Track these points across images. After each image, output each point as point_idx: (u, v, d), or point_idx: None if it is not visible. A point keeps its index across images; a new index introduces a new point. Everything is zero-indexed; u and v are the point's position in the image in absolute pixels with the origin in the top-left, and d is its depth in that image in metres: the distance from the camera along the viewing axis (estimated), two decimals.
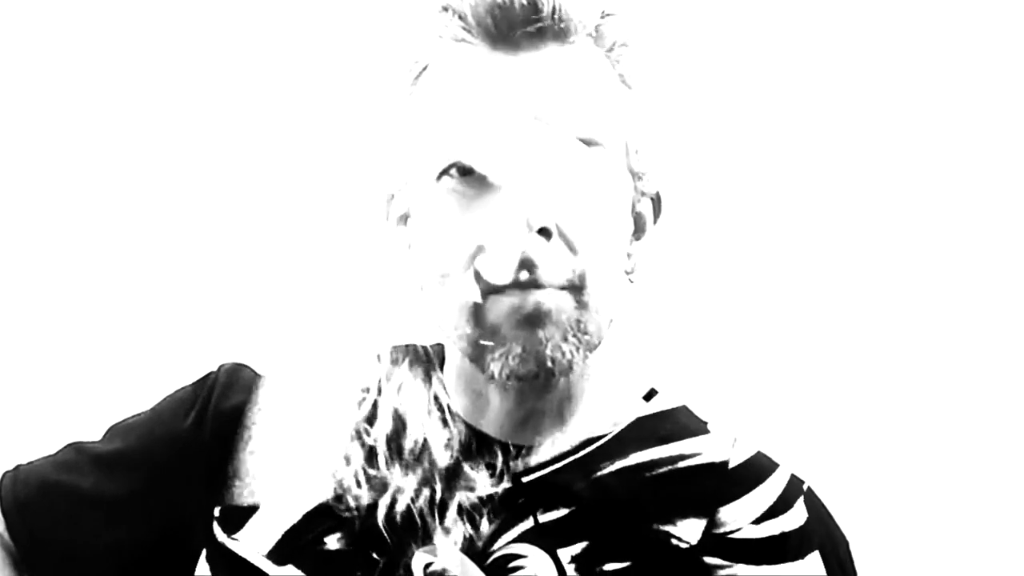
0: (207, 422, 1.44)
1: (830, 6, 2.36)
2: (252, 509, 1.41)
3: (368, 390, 1.43)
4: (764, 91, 2.34)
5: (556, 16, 1.33)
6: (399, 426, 1.40)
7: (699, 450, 1.41)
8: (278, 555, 1.38)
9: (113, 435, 1.48)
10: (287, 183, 2.37)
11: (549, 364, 1.32)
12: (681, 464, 1.40)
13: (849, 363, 2.32)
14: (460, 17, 1.34)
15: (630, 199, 1.39)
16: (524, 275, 1.30)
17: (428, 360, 1.45)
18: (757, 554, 1.36)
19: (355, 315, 2.15)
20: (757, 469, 1.41)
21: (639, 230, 1.42)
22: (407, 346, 1.47)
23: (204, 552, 1.42)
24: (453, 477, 1.37)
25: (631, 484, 1.39)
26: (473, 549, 1.35)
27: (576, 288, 1.33)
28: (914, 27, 2.35)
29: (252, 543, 1.40)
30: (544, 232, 1.30)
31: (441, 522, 1.36)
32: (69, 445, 1.49)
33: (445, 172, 1.34)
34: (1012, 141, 2.34)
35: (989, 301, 2.33)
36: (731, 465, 1.41)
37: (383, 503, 1.37)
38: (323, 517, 1.39)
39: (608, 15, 1.37)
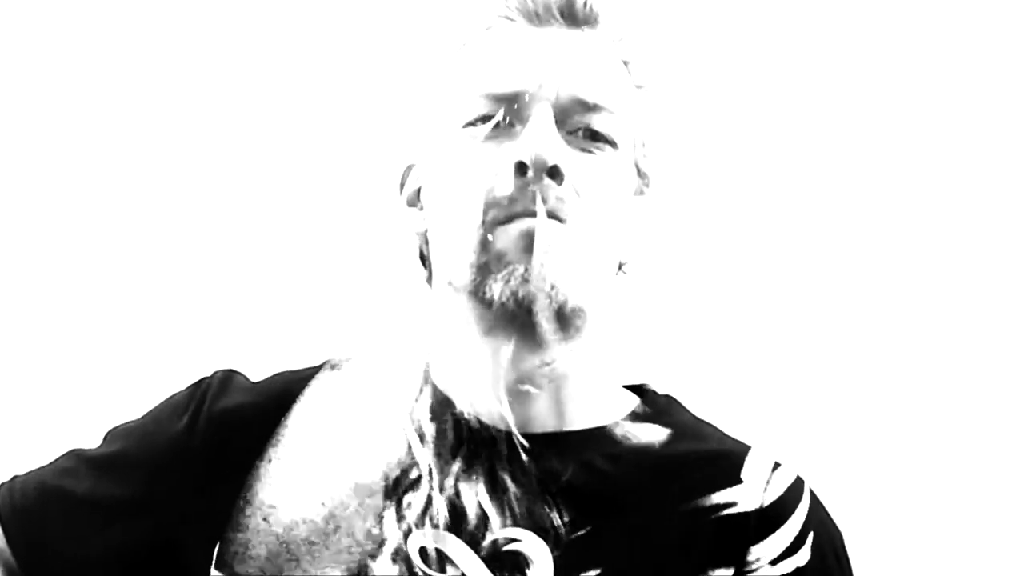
0: (200, 424, 1.46)
1: (833, 7, 2.38)
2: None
3: (418, 480, 1.42)
4: (761, 93, 2.36)
5: (587, 6, 1.44)
6: (454, 519, 1.40)
7: (735, 499, 1.42)
8: None
9: (110, 439, 1.50)
10: (287, 185, 2.38)
11: (550, 288, 1.37)
12: (720, 514, 1.41)
13: (846, 361, 2.34)
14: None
15: (632, 188, 1.46)
16: (535, 206, 1.37)
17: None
18: None
19: (354, 313, 2.16)
20: (783, 506, 1.42)
21: (636, 226, 1.48)
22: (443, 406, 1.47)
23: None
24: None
25: (663, 468, 1.42)
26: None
27: (582, 227, 1.39)
28: (916, 27, 2.37)
29: None
30: (555, 172, 1.38)
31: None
32: (68, 452, 1.50)
33: (471, 123, 1.42)
34: (1012, 141, 2.36)
35: (989, 301, 2.35)
36: (763, 506, 1.42)
37: None
38: None
39: (623, 39, 1.47)
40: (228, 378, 1.50)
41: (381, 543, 1.38)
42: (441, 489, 1.39)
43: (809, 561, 1.40)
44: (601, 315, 1.44)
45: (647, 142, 1.47)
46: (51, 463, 1.50)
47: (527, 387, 1.40)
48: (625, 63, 1.46)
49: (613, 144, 1.42)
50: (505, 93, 1.40)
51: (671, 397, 1.52)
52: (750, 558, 1.38)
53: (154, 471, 1.46)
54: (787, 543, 1.40)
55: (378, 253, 1.58)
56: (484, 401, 1.41)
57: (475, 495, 1.39)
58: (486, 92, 1.41)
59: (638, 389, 1.52)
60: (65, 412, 2.29)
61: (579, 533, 1.38)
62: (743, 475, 1.42)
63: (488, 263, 1.37)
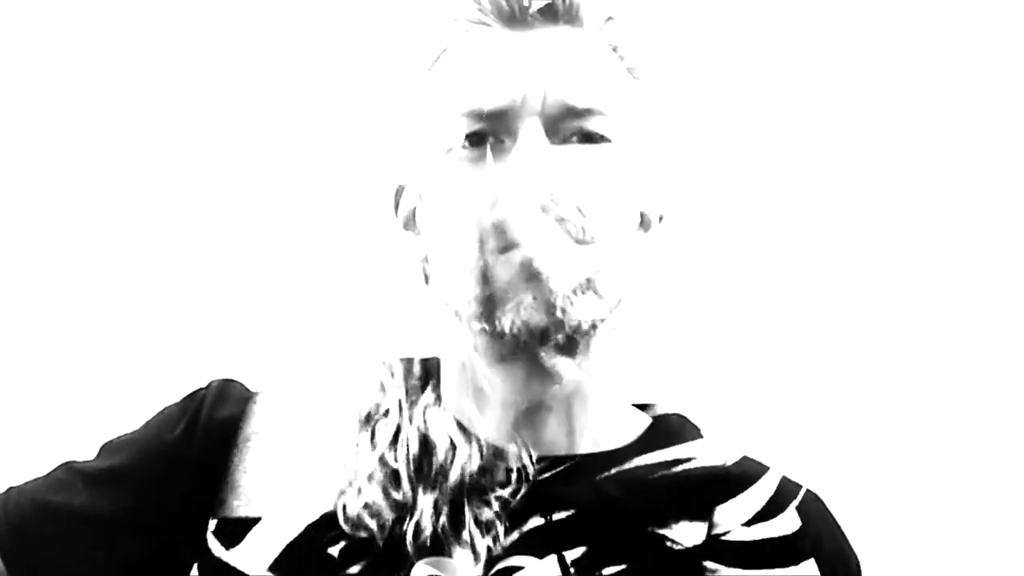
0: (197, 435, 1.44)
1: (832, 6, 2.36)
2: (252, 521, 1.40)
3: (388, 412, 1.43)
4: (762, 96, 2.34)
5: (573, 9, 1.38)
6: (424, 449, 1.40)
7: (694, 454, 1.43)
8: (281, 568, 1.38)
9: (104, 453, 1.48)
10: (285, 188, 2.36)
11: (559, 315, 1.33)
12: (677, 468, 1.41)
13: (848, 372, 2.32)
14: (475, 0, 1.38)
15: (634, 182, 1.42)
16: (535, 232, 1.33)
17: (427, 373, 1.46)
18: (746, 557, 1.38)
19: (354, 324, 2.14)
20: (748, 471, 1.43)
21: (645, 223, 1.44)
22: (410, 359, 1.48)
23: (196, 566, 1.41)
24: (471, 493, 1.38)
25: (628, 488, 1.40)
26: (489, 557, 1.36)
27: (586, 246, 1.35)
28: (916, 27, 2.35)
29: (253, 556, 1.39)
30: (554, 195, 1.34)
31: (459, 538, 1.36)
32: (61, 465, 1.49)
33: (457, 145, 1.36)
34: (1012, 141, 2.34)
35: (988, 311, 2.33)
36: (727, 466, 1.43)
37: (411, 525, 1.37)
38: (327, 528, 1.38)
39: (611, 19, 1.41)
40: (225, 387, 1.48)
41: (355, 471, 1.38)
42: (411, 420, 1.40)
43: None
44: (613, 329, 1.41)
45: (646, 133, 1.43)
46: (45, 476, 1.48)
47: (540, 411, 1.39)
48: (614, 48, 1.41)
49: (608, 141, 1.38)
50: (488, 110, 1.35)
51: (682, 416, 1.49)
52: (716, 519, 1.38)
53: (150, 483, 1.44)
54: (757, 508, 1.39)
55: (374, 267, 1.53)
56: (494, 428, 1.40)
57: (444, 426, 1.39)
58: (468, 110, 1.36)
59: (648, 408, 1.49)
60: (61, 419, 2.28)
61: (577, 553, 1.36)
62: (703, 433, 1.44)
63: (493, 295, 1.34)
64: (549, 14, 1.38)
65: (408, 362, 1.47)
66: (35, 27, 2.38)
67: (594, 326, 1.36)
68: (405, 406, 1.42)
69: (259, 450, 1.43)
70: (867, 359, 2.33)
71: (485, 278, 1.33)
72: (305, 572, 1.37)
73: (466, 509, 1.36)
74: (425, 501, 1.37)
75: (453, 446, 1.38)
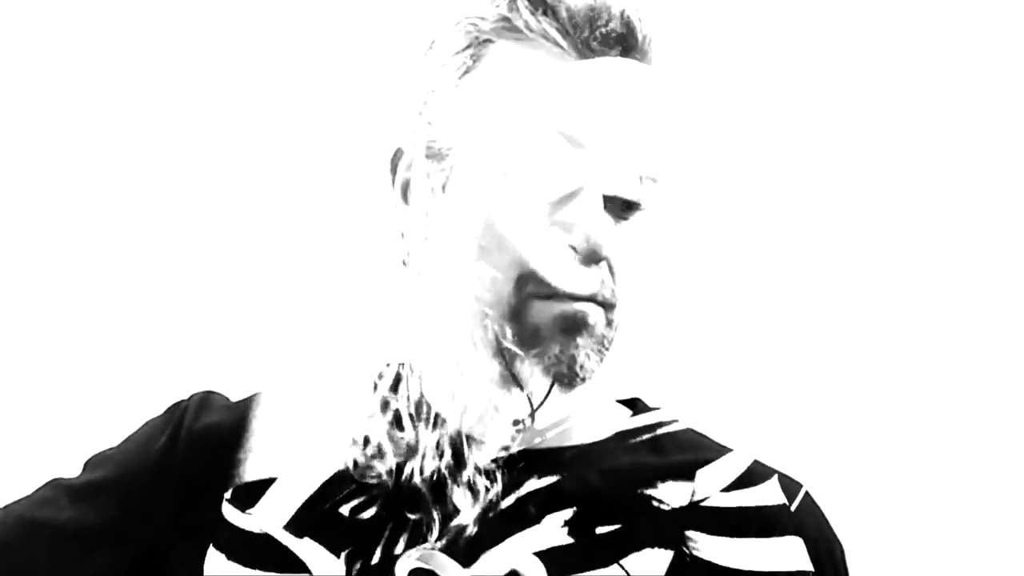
0: (180, 445, 1.45)
1: (836, 9, 2.36)
2: (267, 482, 1.42)
3: (389, 364, 1.45)
4: (761, 96, 2.34)
5: (643, 33, 1.36)
6: (423, 391, 1.42)
7: (675, 418, 1.47)
8: (297, 526, 1.39)
9: (90, 467, 1.49)
10: (282, 191, 2.36)
11: (579, 370, 1.35)
12: (659, 431, 1.45)
13: (842, 372, 2.32)
14: (554, 14, 1.35)
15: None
16: (581, 291, 1.34)
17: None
18: (727, 524, 1.39)
19: (348, 328, 2.15)
20: (724, 445, 1.46)
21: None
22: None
23: (211, 546, 1.41)
24: (470, 437, 1.39)
25: (615, 450, 1.42)
26: (490, 510, 1.37)
27: (610, 306, 1.36)
28: (916, 27, 2.35)
29: (269, 516, 1.40)
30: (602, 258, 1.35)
31: (458, 480, 1.38)
32: (47, 482, 1.49)
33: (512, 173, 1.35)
34: (1012, 141, 2.34)
35: (987, 312, 2.33)
36: (705, 435, 1.46)
37: (415, 464, 1.38)
38: (342, 484, 1.40)
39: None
40: (206, 399, 1.49)
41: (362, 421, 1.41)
42: (411, 368, 1.43)
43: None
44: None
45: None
46: (31, 494, 1.49)
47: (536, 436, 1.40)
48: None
49: (647, 207, 1.38)
50: (559, 159, 1.33)
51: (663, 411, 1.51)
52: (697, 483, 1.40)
53: (137, 495, 1.44)
54: (735, 475, 1.41)
55: (359, 268, 1.53)
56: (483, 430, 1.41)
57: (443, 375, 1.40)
58: (536, 151, 1.33)
59: (631, 403, 1.50)
60: (47, 432, 2.28)
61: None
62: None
63: (519, 336, 1.35)
64: (625, 46, 1.35)
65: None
66: (33, 27, 2.38)
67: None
68: (410, 361, 1.43)
69: (271, 417, 1.45)
70: (864, 361, 2.32)
71: (516, 317, 1.35)
72: (319, 529, 1.38)
73: (465, 452, 1.38)
74: (428, 440, 1.38)
75: (452, 394, 1.39)
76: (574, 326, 1.34)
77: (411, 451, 1.39)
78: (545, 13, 1.35)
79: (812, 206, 2.34)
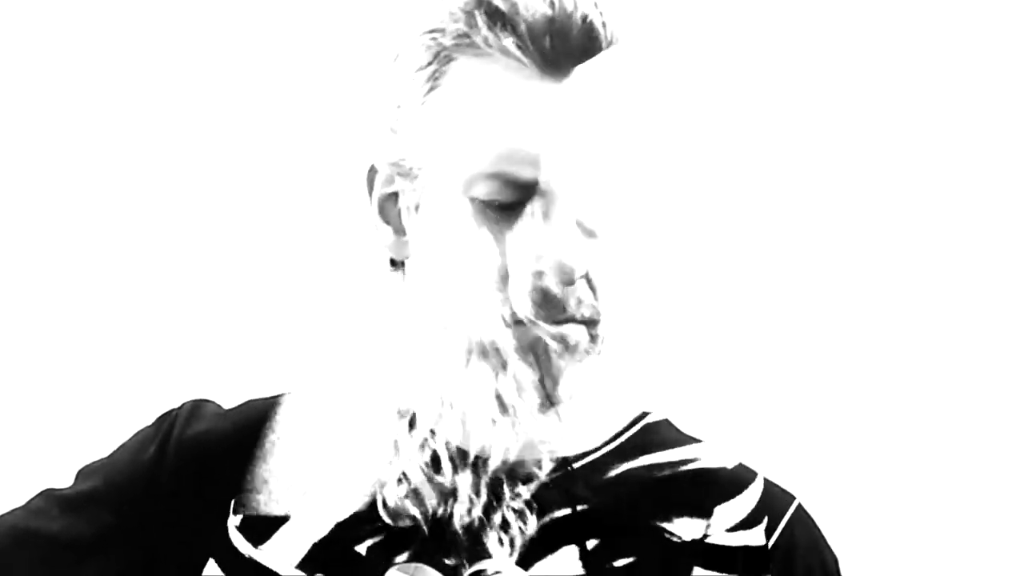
0: (169, 454, 1.44)
1: (832, 8, 2.36)
2: (280, 520, 1.40)
3: (413, 397, 1.42)
4: (759, 102, 2.35)
5: (607, 39, 1.32)
6: (464, 432, 1.39)
7: (697, 455, 1.43)
8: (308, 566, 1.38)
9: (81, 478, 1.48)
10: (279, 193, 2.36)
11: (559, 390, 1.34)
12: (682, 468, 1.42)
13: (841, 383, 2.33)
14: (513, 29, 1.31)
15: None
16: (558, 313, 1.32)
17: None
18: (721, 562, 1.38)
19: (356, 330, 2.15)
20: (741, 476, 1.43)
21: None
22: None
23: (216, 563, 1.41)
24: (509, 477, 1.37)
25: (634, 485, 1.40)
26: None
27: (592, 323, 1.34)
28: (915, 28, 2.35)
29: (280, 554, 1.39)
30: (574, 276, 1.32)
31: (491, 523, 1.36)
32: (40, 493, 1.49)
33: (476, 199, 1.32)
34: (1012, 141, 2.34)
35: (985, 318, 2.34)
36: (728, 468, 1.43)
37: (455, 509, 1.36)
38: (361, 523, 1.38)
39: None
40: (197, 407, 1.48)
41: (395, 460, 1.38)
42: (452, 404, 1.38)
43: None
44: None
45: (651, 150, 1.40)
46: (23, 505, 1.49)
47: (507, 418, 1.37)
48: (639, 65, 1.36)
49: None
50: (523, 180, 1.31)
51: (667, 421, 1.48)
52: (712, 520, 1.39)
53: (126, 506, 1.44)
54: (742, 516, 1.40)
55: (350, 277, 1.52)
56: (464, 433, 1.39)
57: (485, 408, 1.36)
58: (496, 172, 1.31)
59: (639, 417, 1.48)
60: (40, 440, 2.29)
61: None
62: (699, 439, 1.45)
63: (503, 362, 1.33)
64: (586, 58, 1.31)
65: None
66: (28, 26, 2.38)
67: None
68: (445, 389, 1.39)
69: (287, 448, 1.43)
70: (860, 366, 2.33)
71: (492, 341, 1.33)
72: (332, 568, 1.37)
73: (505, 492, 1.36)
74: (465, 484, 1.36)
75: (494, 426, 1.36)
76: (554, 350, 1.33)
77: (450, 496, 1.37)
78: (504, 28, 1.30)
79: (807, 208, 2.35)
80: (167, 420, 1.47)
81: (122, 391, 2.29)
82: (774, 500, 1.42)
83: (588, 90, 1.31)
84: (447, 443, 1.38)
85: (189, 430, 1.45)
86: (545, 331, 1.32)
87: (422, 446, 1.38)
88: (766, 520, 1.40)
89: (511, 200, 1.31)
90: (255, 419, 1.45)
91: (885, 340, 2.33)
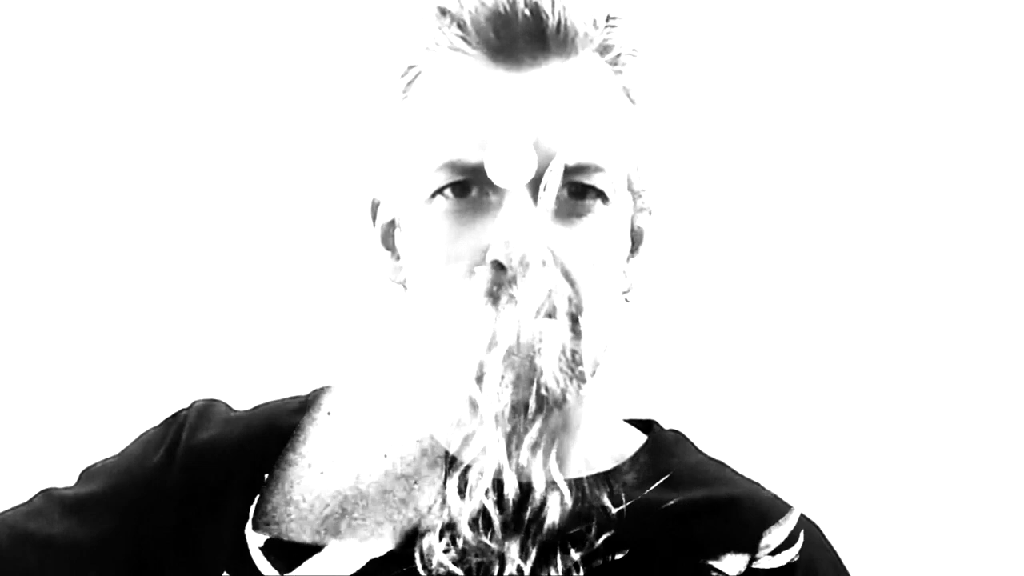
0: (177, 459, 1.41)
1: (834, 13, 2.34)
2: (312, 549, 1.36)
3: (483, 449, 1.35)
4: (755, 107, 2.33)
5: (560, 30, 1.30)
6: (522, 492, 1.34)
7: (740, 490, 1.41)
8: None
9: (84, 479, 1.46)
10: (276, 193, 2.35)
11: (543, 392, 1.29)
12: (721, 501, 1.39)
13: (843, 386, 2.31)
14: (459, 25, 1.31)
15: (629, 218, 1.36)
16: (521, 306, 1.28)
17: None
18: None
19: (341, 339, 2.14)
20: (778, 506, 1.41)
21: (635, 247, 1.40)
22: None
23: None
24: (562, 538, 1.34)
25: (676, 525, 1.37)
26: None
27: (572, 317, 1.30)
28: (915, 28, 2.34)
29: None
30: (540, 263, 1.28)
31: None
32: (40, 492, 1.46)
33: (439, 192, 1.31)
34: (1012, 142, 2.33)
35: (985, 324, 2.32)
36: (771, 498, 1.41)
37: (503, 571, 1.32)
38: (390, 566, 1.34)
39: (612, 23, 1.34)
40: (207, 409, 1.45)
41: (440, 513, 1.34)
42: (509, 458, 1.32)
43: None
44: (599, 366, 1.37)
45: (641, 158, 1.36)
46: (23, 504, 1.46)
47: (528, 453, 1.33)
48: (612, 65, 1.34)
49: (604, 197, 1.31)
50: (471, 164, 1.29)
51: (679, 433, 1.46)
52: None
53: (129, 511, 1.41)
54: (782, 538, 1.38)
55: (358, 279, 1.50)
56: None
57: (541, 468, 1.32)
58: (449, 161, 1.30)
59: (645, 425, 1.46)
60: (41, 436, 2.27)
61: None
62: (713, 462, 1.42)
63: (476, 375, 1.29)
64: (539, 46, 1.30)
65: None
66: (27, 25, 2.37)
67: (579, 387, 1.32)
68: (503, 443, 1.33)
69: (314, 470, 1.39)
70: (860, 374, 2.32)
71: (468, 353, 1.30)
72: None
73: (558, 555, 1.32)
74: (514, 546, 1.32)
75: (552, 489, 1.32)
76: (529, 346, 1.28)
77: (499, 559, 1.32)
78: (450, 24, 1.31)
79: (809, 217, 2.33)
80: (175, 423, 1.44)
81: (127, 387, 2.27)
82: (805, 521, 1.41)
83: (554, 79, 1.30)
84: (501, 502, 1.33)
85: (199, 435, 1.42)
86: (516, 327, 1.28)
87: (466, 494, 1.33)
88: (802, 538, 1.38)
89: (461, 180, 1.30)
90: (270, 428, 1.42)
91: (885, 342, 2.32)
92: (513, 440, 1.31)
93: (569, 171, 1.29)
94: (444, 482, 1.35)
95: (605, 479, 1.38)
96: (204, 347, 2.29)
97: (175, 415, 1.45)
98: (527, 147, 1.28)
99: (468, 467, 1.33)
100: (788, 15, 2.34)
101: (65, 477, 1.47)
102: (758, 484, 1.42)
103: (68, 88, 2.36)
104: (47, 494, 1.45)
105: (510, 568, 1.31)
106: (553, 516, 1.31)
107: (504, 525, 1.32)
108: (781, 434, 2.26)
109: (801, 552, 1.37)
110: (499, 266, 1.28)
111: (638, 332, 1.47)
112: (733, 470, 1.43)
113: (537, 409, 1.29)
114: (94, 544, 1.41)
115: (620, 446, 1.41)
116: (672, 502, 1.37)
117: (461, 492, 1.33)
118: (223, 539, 1.38)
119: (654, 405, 1.49)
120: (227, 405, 1.46)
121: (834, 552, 1.42)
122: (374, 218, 1.41)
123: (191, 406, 1.45)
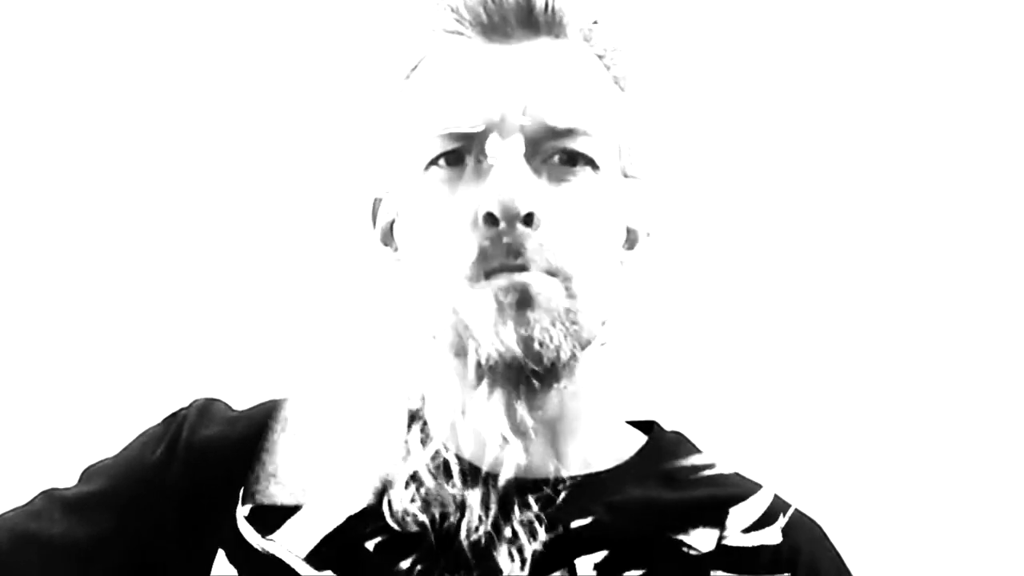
0: (177, 456, 1.42)
1: (828, 7, 2.34)
2: (291, 510, 1.39)
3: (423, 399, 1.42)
4: (753, 104, 2.33)
5: (549, 10, 1.35)
6: (477, 444, 1.38)
7: (710, 462, 1.43)
8: (317, 558, 1.36)
9: (85, 478, 1.46)
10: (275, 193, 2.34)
11: (536, 347, 1.30)
12: (697, 475, 1.41)
13: (843, 388, 2.31)
14: (452, 9, 1.36)
15: (620, 202, 1.39)
16: (511, 259, 1.31)
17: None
18: (739, 562, 1.37)
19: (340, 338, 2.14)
20: (747, 483, 1.43)
21: (631, 240, 1.42)
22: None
23: (223, 553, 1.39)
24: (520, 490, 1.36)
25: (646, 498, 1.39)
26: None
27: (565, 276, 1.32)
28: (914, 28, 2.34)
29: (290, 544, 1.37)
30: (529, 219, 1.30)
31: (501, 536, 1.35)
32: (41, 492, 1.47)
33: (433, 162, 1.34)
34: (1012, 142, 2.33)
35: (984, 326, 2.32)
36: (737, 475, 1.43)
37: (463, 522, 1.35)
38: (369, 520, 1.37)
39: (597, 23, 1.38)
40: (206, 407, 1.46)
41: (404, 465, 1.38)
42: (463, 413, 1.37)
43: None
44: (596, 354, 1.39)
45: (632, 146, 1.40)
46: (25, 505, 1.46)
47: (518, 437, 1.35)
48: (600, 57, 1.38)
49: (593, 164, 1.35)
50: (465, 130, 1.33)
51: (680, 435, 1.47)
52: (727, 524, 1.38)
53: (129, 510, 1.42)
54: (756, 516, 1.39)
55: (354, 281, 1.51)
56: (477, 446, 1.38)
57: (497, 422, 1.35)
58: (443, 131, 1.34)
59: (646, 425, 1.47)
60: (43, 438, 2.27)
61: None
62: (711, 457, 1.44)
63: (468, 323, 1.31)
64: (529, 24, 1.35)
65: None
66: (28, 26, 2.37)
67: (574, 356, 1.33)
68: (460, 398, 1.38)
69: (296, 441, 1.42)
70: (860, 374, 2.31)
71: (461, 304, 1.32)
72: (341, 564, 1.36)
73: (515, 507, 1.35)
74: (475, 496, 1.35)
75: (506, 441, 1.35)
76: (521, 300, 1.30)
77: (460, 508, 1.36)
78: (446, 9, 1.37)
79: (808, 217, 2.33)
80: (176, 421, 1.45)
81: (127, 387, 2.27)
82: (785, 502, 1.42)
83: (543, 52, 1.35)
84: (458, 455, 1.38)
85: (199, 434, 1.43)
86: (507, 279, 1.31)
87: (434, 456, 1.38)
88: (782, 517, 1.40)
89: (453, 148, 1.33)
90: (265, 420, 1.43)
91: (885, 342, 2.32)
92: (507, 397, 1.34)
93: (558, 134, 1.33)
94: (408, 433, 1.39)
95: (604, 479, 1.39)
96: (204, 347, 2.29)
97: (175, 413, 1.46)
98: (517, 110, 1.32)
99: (426, 421, 1.39)
100: (781, 10, 2.34)
101: (65, 477, 1.47)
102: (755, 483, 1.43)
103: (67, 88, 2.36)
104: (48, 494, 1.45)
105: (469, 516, 1.34)
106: (509, 469, 1.34)
107: (462, 474, 1.36)
108: (781, 434, 2.25)
109: (789, 541, 1.38)
110: (491, 220, 1.30)
111: (637, 332, 1.47)
112: (737, 473, 1.44)
113: (533, 362, 1.31)
114: (95, 543, 1.41)
115: (620, 447, 1.43)
116: (647, 479, 1.40)
117: (423, 443, 1.38)
118: (223, 534, 1.39)
119: (654, 405, 1.50)
120: (227, 404, 1.47)
121: (836, 552, 1.43)
122: (374, 218, 1.44)
123: (191, 405, 1.46)
